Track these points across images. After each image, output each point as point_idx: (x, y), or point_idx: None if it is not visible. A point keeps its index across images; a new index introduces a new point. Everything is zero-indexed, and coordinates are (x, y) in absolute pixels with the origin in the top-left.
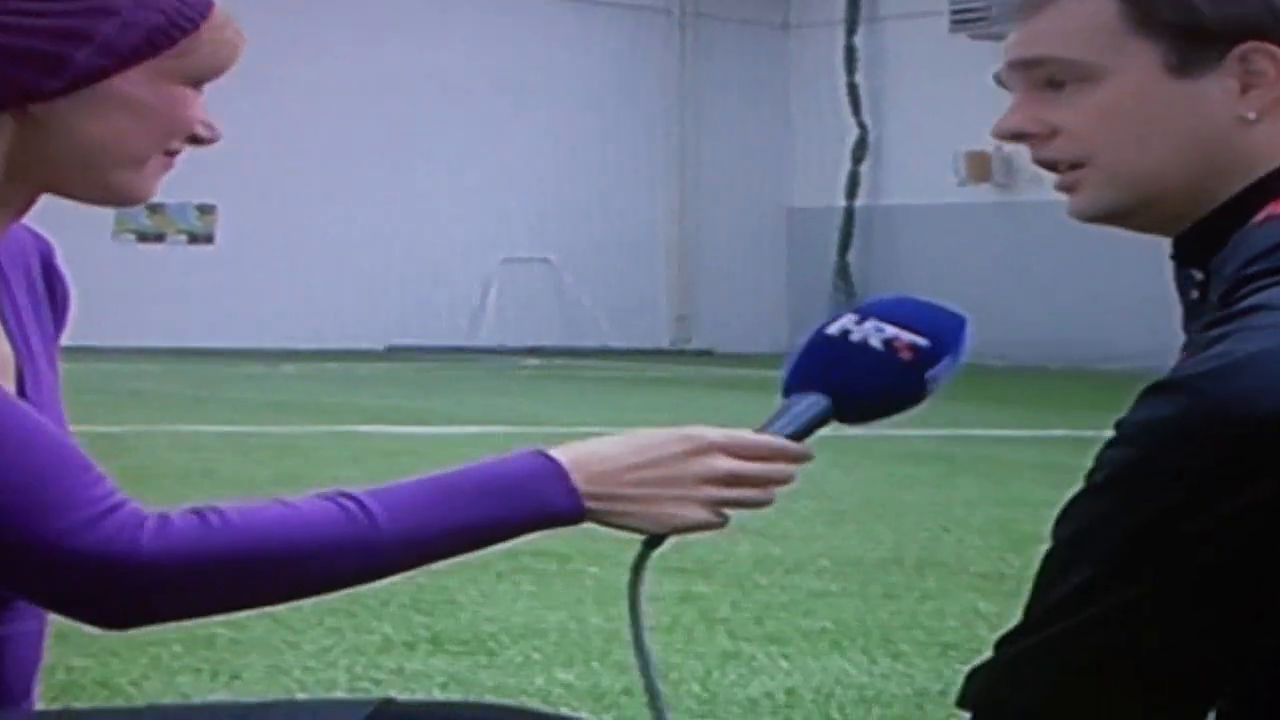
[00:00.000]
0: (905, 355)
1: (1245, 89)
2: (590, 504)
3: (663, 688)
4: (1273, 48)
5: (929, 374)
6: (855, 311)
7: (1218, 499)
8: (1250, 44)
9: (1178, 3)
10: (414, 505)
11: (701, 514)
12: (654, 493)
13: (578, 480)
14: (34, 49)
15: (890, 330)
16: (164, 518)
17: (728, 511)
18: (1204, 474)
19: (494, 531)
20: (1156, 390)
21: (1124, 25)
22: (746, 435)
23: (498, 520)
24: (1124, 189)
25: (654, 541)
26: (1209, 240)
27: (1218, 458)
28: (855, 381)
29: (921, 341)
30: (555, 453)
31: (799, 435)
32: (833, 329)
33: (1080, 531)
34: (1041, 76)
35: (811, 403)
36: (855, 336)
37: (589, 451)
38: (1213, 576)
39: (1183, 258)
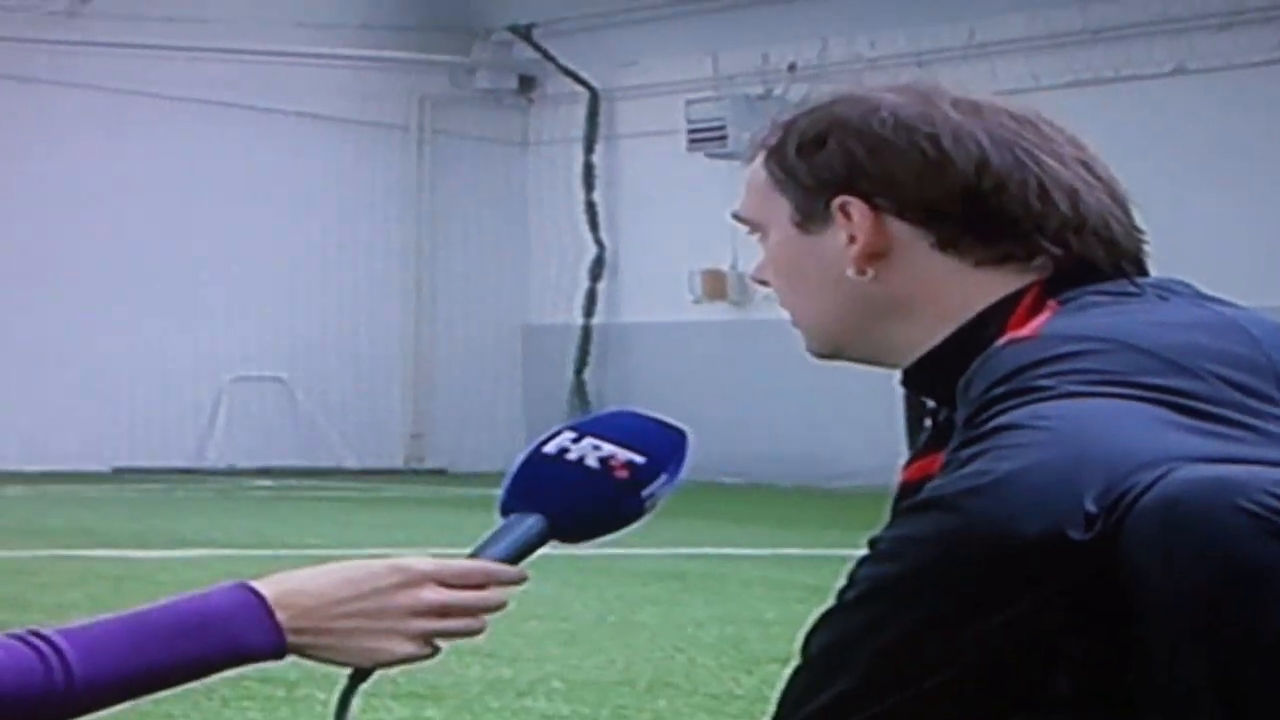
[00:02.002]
0: (621, 474)
1: (850, 241)
2: (294, 639)
3: None
4: (854, 199)
5: (646, 491)
6: (572, 428)
7: (976, 616)
8: (841, 197)
9: (784, 159)
10: (108, 647)
11: (409, 647)
12: (361, 625)
13: (282, 615)
14: None
15: (607, 448)
16: None
17: (440, 642)
18: (964, 591)
19: (191, 671)
20: (916, 508)
21: (770, 184)
22: (457, 564)
23: (194, 659)
24: (810, 336)
25: (361, 675)
26: (935, 373)
27: (979, 575)
28: (572, 501)
29: (638, 459)
30: (260, 586)
31: (514, 558)
32: (549, 447)
33: (833, 646)
34: (750, 230)
35: (528, 525)
36: (571, 455)
37: (295, 585)
38: (964, 691)
39: (911, 388)
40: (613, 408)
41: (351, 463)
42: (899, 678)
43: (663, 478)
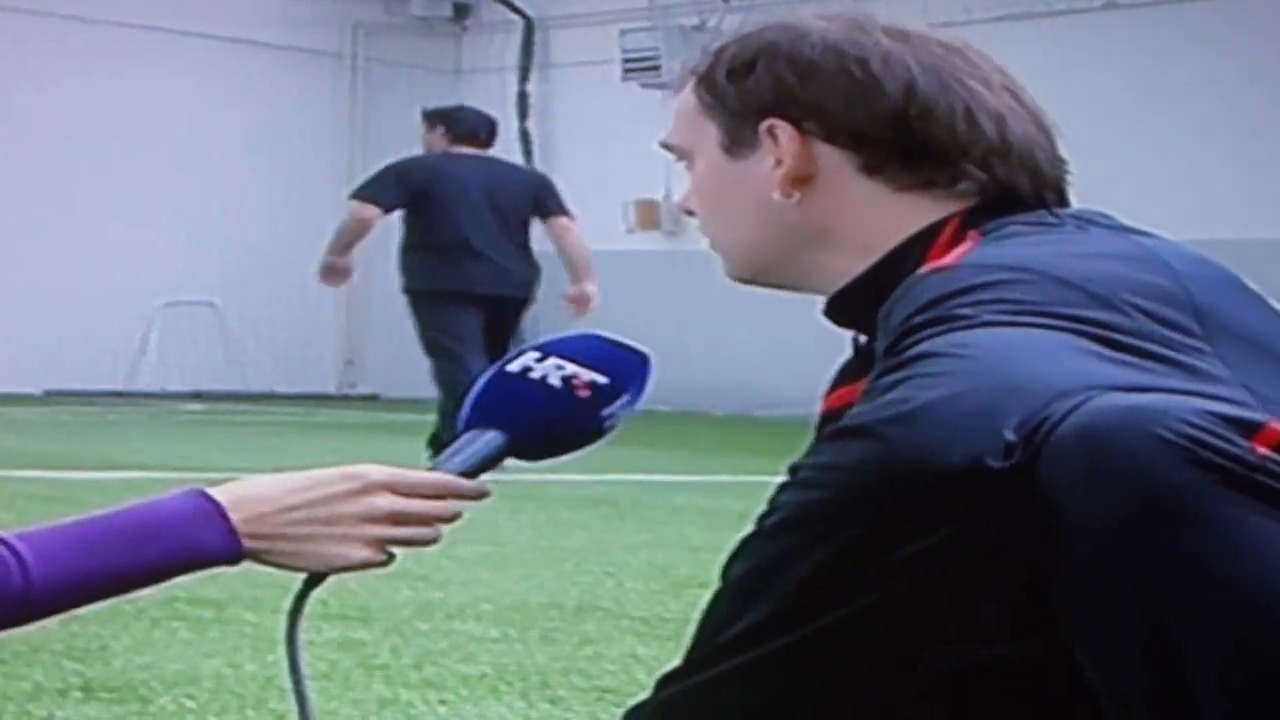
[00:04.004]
0: (583, 393)
1: (777, 164)
2: (249, 544)
3: None
4: (781, 122)
5: (606, 411)
6: (536, 348)
7: (896, 544)
8: (769, 120)
9: (713, 84)
10: (66, 549)
11: (364, 552)
12: (315, 531)
13: (236, 521)
14: None
15: (570, 368)
16: None
17: (395, 550)
18: (885, 519)
19: (149, 574)
20: (838, 435)
21: (699, 110)
22: (414, 473)
23: (152, 562)
24: (730, 260)
25: (315, 580)
26: (856, 302)
27: (900, 503)
28: (533, 418)
29: (600, 379)
30: (214, 493)
31: (472, 472)
32: (513, 366)
33: (753, 572)
34: (678, 158)
35: (488, 440)
36: (535, 374)
37: (249, 491)
38: (881, 620)
39: (832, 318)
40: (547, 335)
41: (284, 388)
42: (818, 604)
43: (624, 398)
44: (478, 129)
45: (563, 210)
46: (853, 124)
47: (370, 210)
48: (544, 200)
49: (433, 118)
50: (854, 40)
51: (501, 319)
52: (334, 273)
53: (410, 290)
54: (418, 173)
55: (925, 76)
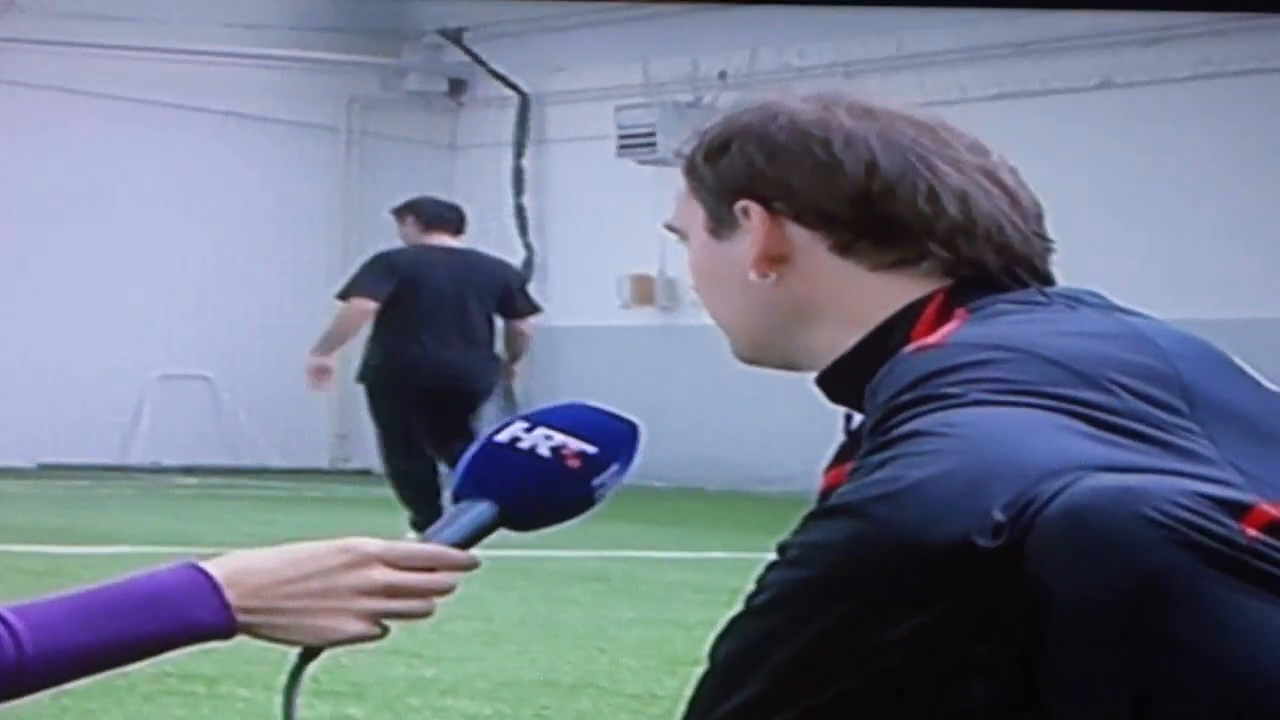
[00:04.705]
0: (573, 463)
1: (753, 245)
2: (243, 618)
3: None
4: (753, 203)
5: (597, 481)
6: (524, 418)
7: (883, 623)
8: (742, 201)
9: (695, 167)
10: (58, 622)
11: (358, 626)
12: (309, 605)
13: (231, 594)
14: None
15: (559, 438)
16: None
17: (389, 623)
18: (873, 597)
19: (142, 647)
20: (826, 514)
21: (687, 193)
22: (405, 545)
23: (145, 636)
24: (731, 339)
25: (310, 654)
26: (845, 379)
27: (888, 582)
28: (523, 489)
29: (590, 449)
30: (209, 565)
31: (465, 543)
32: (502, 436)
33: (741, 651)
34: (679, 239)
35: (479, 511)
36: (524, 444)
37: (243, 565)
38: (869, 699)
39: (825, 393)
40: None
41: (276, 462)
42: (805, 684)
43: (614, 468)
44: (445, 215)
45: (532, 309)
46: (818, 204)
47: (370, 305)
48: (513, 298)
49: (401, 211)
50: (820, 120)
51: (446, 411)
52: (324, 373)
53: (366, 379)
54: (403, 263)
55: (887, 155)
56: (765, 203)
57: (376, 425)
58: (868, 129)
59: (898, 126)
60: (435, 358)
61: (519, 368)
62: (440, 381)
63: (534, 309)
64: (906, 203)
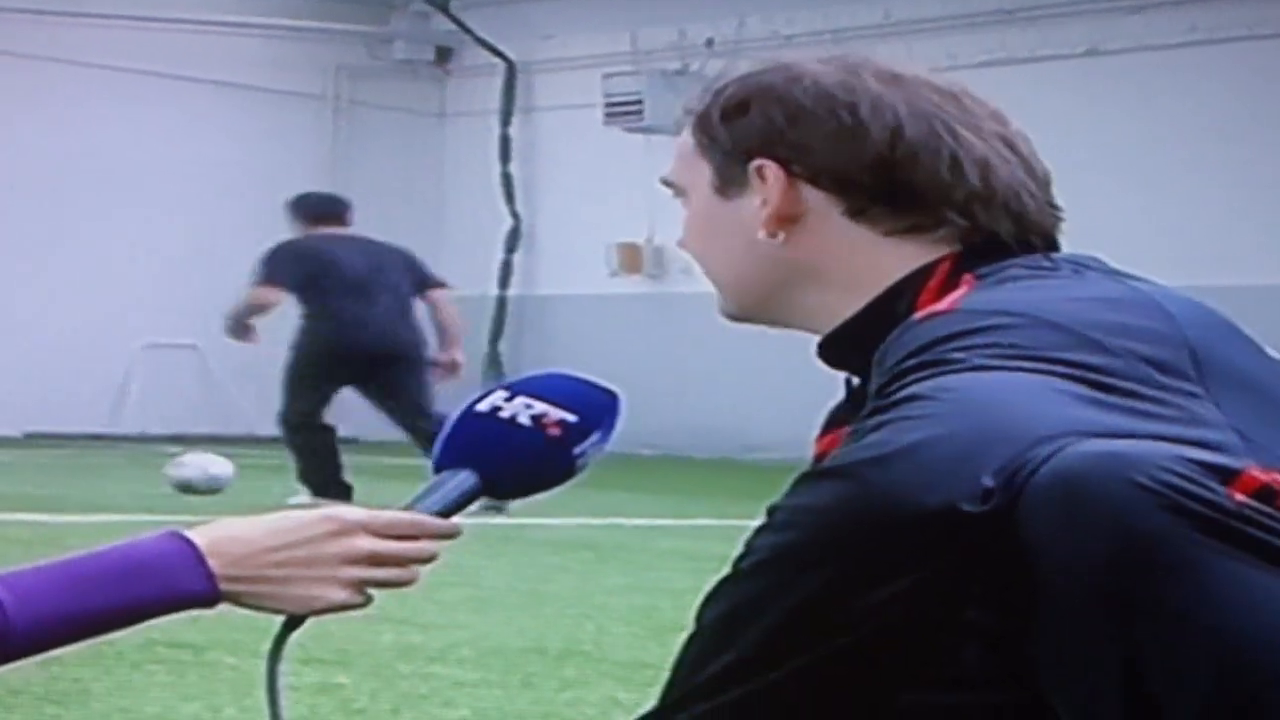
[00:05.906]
0: (554, 432)
1: (763, 204)
2: (227, 586)
3: None
4: (770, 163)
5: (577, 449)
6: (505, 388)
7: (871, 586)
8: (758, 161)
9: (709, 125)
10: (44, 591)
11: (342, 594)
12: (294, 573)
13: (214, 563)
14: None
15: (539, 407)
16: None
17: (372, 591)
18: (859, 561)
19: (127, 615)
20: (816, 476)
21: (695, 150)
22: (389, 514)
23: (130, 604)
24: (722, 296)
25: (294, 622)
26: (849, 344)
27: (874, 545)
28: (503, 458)
29: (570, 418)
30: (193, 534)
31: (446, 512)
32: (482, 405)
33: (729, 614)
34: (675, 194)
35: (460, 480)
36: (504, 413)
37: (227, 533)
38: (856, 662)
39: (825, 359)
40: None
41: (264, 431)
42: (793, 646)
43: (594, 437)
44: (331, 208)
45: (438, 282)
46: (838, 168)
47: (275, 292)
48: (420, 273)
49: (290, 208)
50: (846, 84)
51: (380, 372)
52: (246, 331)
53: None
54: (307, 249)
55: (913, 122)
56: (783, 163)
57: (288, 375)
58: (894, 95)
59: (922, 93)
60: (363, 322)
61: (503, 343)
62: (373, 346)
63: (442, 284)
64: (928, 170)
